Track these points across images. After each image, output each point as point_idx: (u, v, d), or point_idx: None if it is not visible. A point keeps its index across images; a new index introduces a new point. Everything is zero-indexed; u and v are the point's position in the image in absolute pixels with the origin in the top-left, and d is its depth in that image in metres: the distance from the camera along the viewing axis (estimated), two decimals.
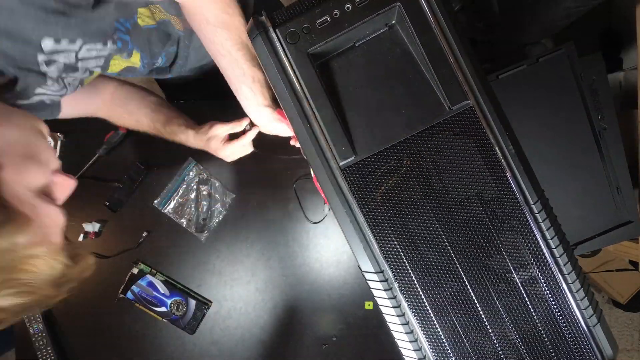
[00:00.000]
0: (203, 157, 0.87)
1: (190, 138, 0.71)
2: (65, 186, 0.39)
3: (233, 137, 0.70)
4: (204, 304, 0.88)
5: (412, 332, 0.43)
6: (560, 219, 0.80)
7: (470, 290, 0.43)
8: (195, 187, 0.89)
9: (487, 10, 1.06)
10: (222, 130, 0.67)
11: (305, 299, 0.90)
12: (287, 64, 0.42)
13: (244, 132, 0.69)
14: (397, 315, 0.43)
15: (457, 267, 0.42)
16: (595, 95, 0.84)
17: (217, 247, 0.89)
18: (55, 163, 0.39)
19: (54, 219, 0.37)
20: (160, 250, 0.89)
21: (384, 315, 0.44)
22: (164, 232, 0.89)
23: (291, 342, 0.89)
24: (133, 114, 0.70)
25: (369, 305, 0.88)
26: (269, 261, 0.90)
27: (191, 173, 0.89)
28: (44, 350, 0.86)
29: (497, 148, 0.40)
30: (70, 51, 0.43)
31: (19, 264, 0.33)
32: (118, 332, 0.89)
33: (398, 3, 0.41)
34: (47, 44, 0.40)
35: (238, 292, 0.90)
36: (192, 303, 0.88)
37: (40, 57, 0.41)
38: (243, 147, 0.70)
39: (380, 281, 0.43)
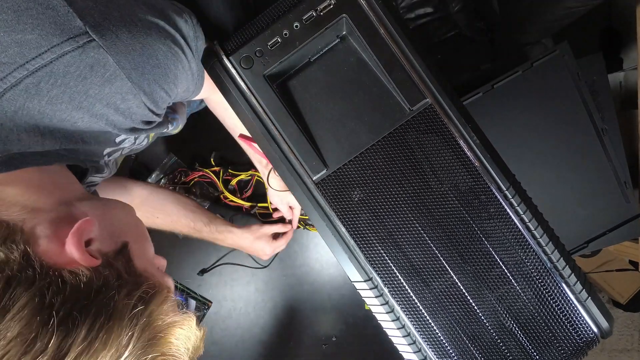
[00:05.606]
0: (185, 153, 0.89)
1: (235, 236, 0.77)
2: (162, 261, 0.44)
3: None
4: (204, 304, 0.88)
5: (409, 334, 0.43)
6: (571, 218, 0.81)
7: (459, 284, 0.43)
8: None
9: (487, 10, 1.07)
10: (271, 229, 0.77)
11: (305, 299, 0.90)
12: (245, 89, 0.43)
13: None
14: (392, 320, 0.43)
15: (442, 263, 0.43)
16: (596, 95, 0.84)
17: (217, 246, 0.89)
18: None
19: (171, 286, 0.39)
20: (160, 250, 0.89)
21: (380, 322, 0.45)
22: (164, 232, 0.89)
23: (291, 342, 0.89)
24: (171, 215, 0.73)
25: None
26: (268, 261, 0.90)
27: (172, 168, 0.89)
28: None
29: (461, 141, 0.41)
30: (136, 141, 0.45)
31: (165, 334, 0.33)
32: None
33: (344, 15, 0.41)
34: (120, 139, 0.40)
35: (238, 292, 0.90)
36: (192, 303, 0.87)
37: (107, 150, 0.41)
38: (283, 245, 0.81)
39: (370, 289, 0.43)
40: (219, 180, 0.88)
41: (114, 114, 0.35)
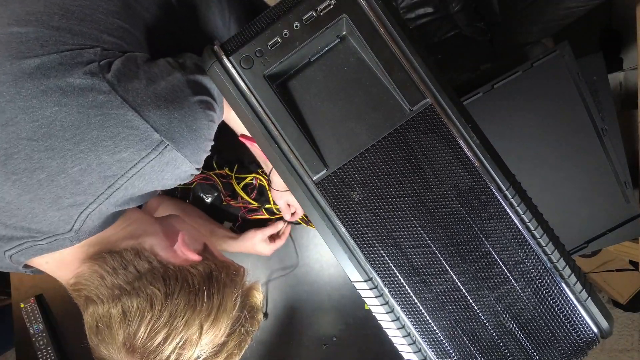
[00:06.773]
0: None
1: (233, 247, 0.84)
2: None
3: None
4: None
5: (409, 334, 0.43)
6: (571, 218, 0.81)
7: (459, 284, 0.43)
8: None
9: (487, 10, 1.08)
10: (265, 234, 0.82)
11: (305, 299, 0.90)
12: (245, 89, 0.43)
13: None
14: (392, 320, 0.43)
15: (442, 263, 0.43)
16: (596, 95, 0.84)
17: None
18: None
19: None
20: None
21: (380, 322, 0.45)
22: None
23: (291, 342, 0.89)
24: None
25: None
26: (268, 262, 0.90)
27: None
28: (44, 350, 0.86)
29: (461, 141, 0.41)
30: None
31: (250, 294, 0.53)
32: None
33: (344, 15, 0.41)
34: None
35: None
36: None
37: None
38: (282, 242, 0.86)
39: (370, 289, 0.43)
40: (220, 183, 0.88)
41: (175, 182, 0.48)
